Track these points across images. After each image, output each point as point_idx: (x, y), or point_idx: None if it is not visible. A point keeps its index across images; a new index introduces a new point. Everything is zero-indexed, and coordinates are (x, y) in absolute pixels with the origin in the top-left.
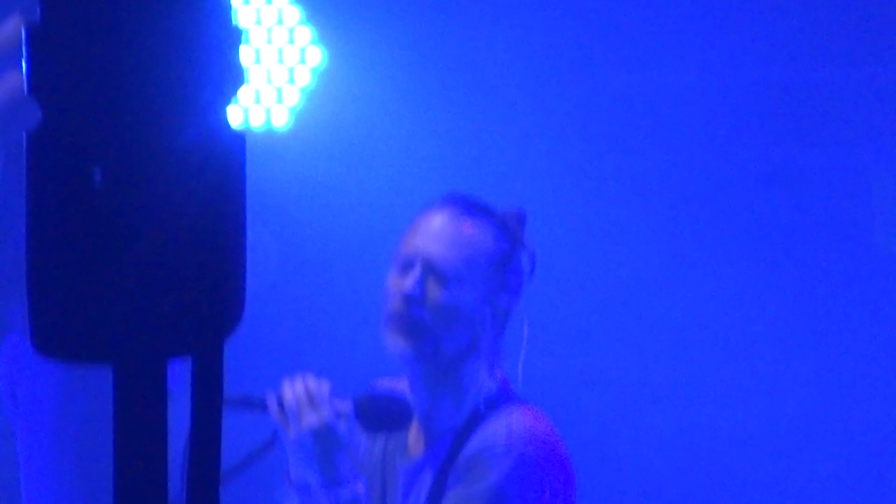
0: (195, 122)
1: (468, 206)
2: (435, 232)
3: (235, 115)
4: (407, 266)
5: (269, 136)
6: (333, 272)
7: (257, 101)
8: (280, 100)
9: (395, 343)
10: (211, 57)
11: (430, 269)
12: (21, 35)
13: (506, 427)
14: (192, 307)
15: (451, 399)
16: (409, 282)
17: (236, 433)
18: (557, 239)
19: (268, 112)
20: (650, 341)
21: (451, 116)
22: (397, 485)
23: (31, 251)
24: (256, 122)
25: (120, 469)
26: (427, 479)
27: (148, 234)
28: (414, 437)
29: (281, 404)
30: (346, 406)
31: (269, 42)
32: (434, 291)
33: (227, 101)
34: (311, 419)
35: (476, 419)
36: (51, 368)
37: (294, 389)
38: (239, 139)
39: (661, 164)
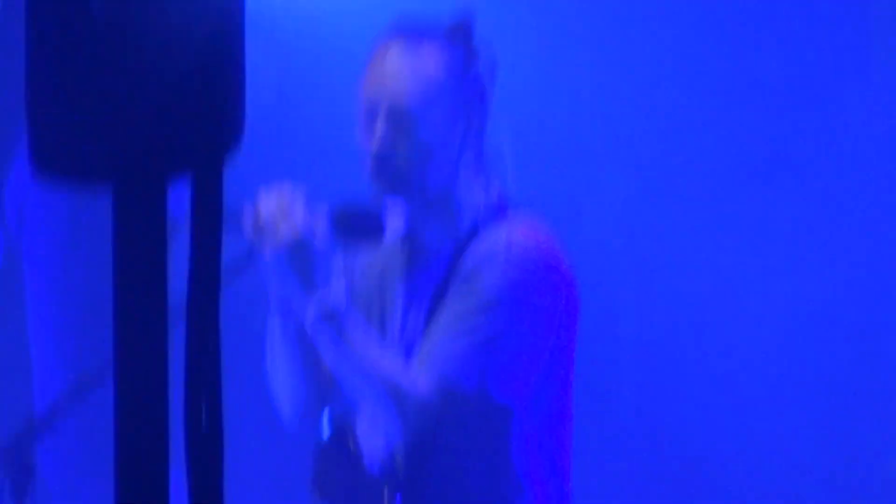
0: None
1: (414, 33)
2: (389, 73)
3: None
4: (370, 116)
5: None
6: (335, 90)
7: None
8: None
9: (381, 192)
10: None
11: (393, 116)
12: None
13: (505, 238)
14: (192, 128)
15: (447, 221)
16: (377, 138)
17: None
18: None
19: None
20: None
21: None
22: (396, 305)
23: (30, 76)
24: None
25: (120, 291)
26: (426, 295)
27: (147, 54)
28: (412, 259)
29: (256, 219)
30: (320, 221)
31: None
32: (403, 138)
33: None
34: (286, 233)
35: (473, 233)
36: (56, 195)
37: (269, 202)
38: None
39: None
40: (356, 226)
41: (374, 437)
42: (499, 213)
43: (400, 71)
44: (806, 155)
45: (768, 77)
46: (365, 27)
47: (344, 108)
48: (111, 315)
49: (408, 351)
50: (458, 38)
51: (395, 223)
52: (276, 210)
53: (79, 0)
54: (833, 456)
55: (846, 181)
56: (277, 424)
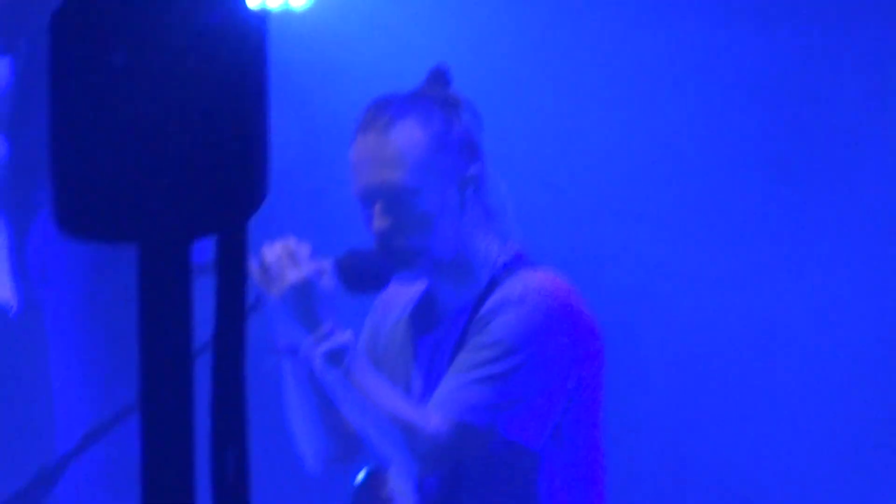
0: (216, 2)
1: (384, 111)
2: (368, 160)
3: None
4: (365, 203)
5: (287, 16)
6: None
7: None
8: None
9: (391, 268)
10: None
11: (383, 199)
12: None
13: (521, 285)
14: (215, 187)
15: (464, 280)
16: (375, 223)
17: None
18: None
19: None
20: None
21: None
22: (421, 364)
23: (54, 132)
24: (274, 3)
25: (145, 348)
26: (448, 350)
27: (171, 115)
28: (433, 319)
29: (263, 267)
30: (327, 264)
31: None
32: (397, 215)
33: None
34: (292, 275)
35: (492, 286)
36: (79, 248)
37: (274, 250)
38: (261, 18)
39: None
40: (362, 272)
41: (406, 481)
42: (517, 268)
43: (378, 154)
44: (831, 177)
45: (781, 100)
46: (388, 82)
47: None
48: (134, 367)
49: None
50: (435, 96)
51: (414, 286)
52: (281, 255)
53: (102, 57)
54: (851, 460)
55: (867, 184)
56: (302, 472)
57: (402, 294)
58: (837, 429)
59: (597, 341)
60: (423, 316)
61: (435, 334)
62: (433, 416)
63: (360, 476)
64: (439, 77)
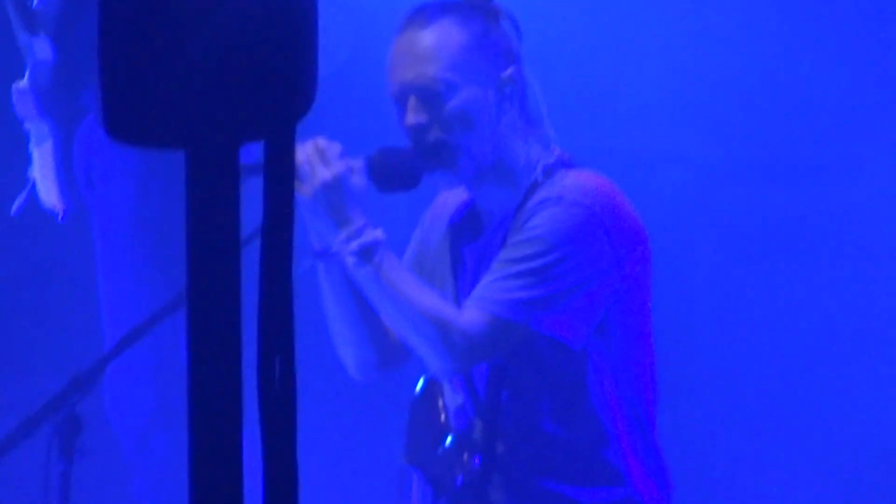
0: None
1: (423, 13)
2: (403, 58)
3: None
4: (400, 101)
5: None
6: None
7: None
8: None
9: (437, 176)
10: None
11: (417, 94)
12: None
13: (560, 184)
14: (263, 91)
15: (505, 186)
16: (408, 117)
17: (255, 201)
18: None
19: None
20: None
21: None
22: (468, 270)
23: (102, 36)
24: None
25: (193, 255)
26: (493, 254)
27: (219, 17)
28: (477, 227)
29: None
30: (357, 163)
31: None
32: (433, 110)
33: None
34: (322, 174)
35: (533, 188)
36: (126, 152)
37: (305, 149)
38: None
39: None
40: (393, 170)
41: (456, 393)
42: (557, 169)
43: (414, 51)
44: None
45: (785, 96)
46: None
47: None
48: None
49: None
50: (475, 4)
51: (458, 198)
52: (311, 154)
53: None
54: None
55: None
56: (348, 381)
57: (448, 207)
58: (838, 429)
59: (641, 240)
60: (469, 225)
61: (480, 242)
62: (468, 311)
63: (419, 385)
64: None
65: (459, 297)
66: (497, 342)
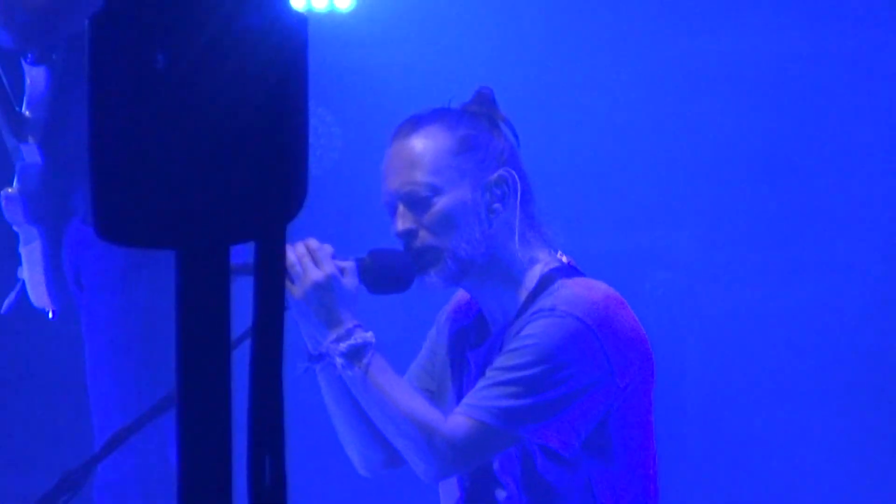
0: (257, 5)
1: (412, 122)
2: (392, 166)
3: None
4: (391, 210)
5: (332, 17)
6: None
7: None
8: None
9: (426, 279)
10: None
11: (404, 202)
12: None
13: (557, 294)
14: (255, 192)
15: (507, 287)
16: (396, 224)
17: (246, 302)
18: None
19: None
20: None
21: None
22: (472, 375)
23: (94, 137)
24: (320, 4)
25: (183, 354)
26: (492, 360)
27: (211, 118)
28: (486, 330)
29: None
30: (349, 264)
31: None
32: (419, 217)
33: None
34: (314, 274)
35: (533, 295)
36: (113, 253)
37: (296, 250)
38: (301, 21)
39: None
40: (384, 272)
41: (428, 480)
42: (558, 276)
43: (401, 159)
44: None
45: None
46: (430, 83)
47: None
48: (167, 371)
49: None
50: (470, 110)
51: (469, 304)
52: (303, 255)
53: (142, 60)
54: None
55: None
56: (333, 473)
57: (461, 309)
58: (838, 427)
59: (640, 351)
60: (475, 329)
61: (484, 347)
62: (455, 417)
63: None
64: (482, 99)
65: (463, 396)
66: (481, 448)
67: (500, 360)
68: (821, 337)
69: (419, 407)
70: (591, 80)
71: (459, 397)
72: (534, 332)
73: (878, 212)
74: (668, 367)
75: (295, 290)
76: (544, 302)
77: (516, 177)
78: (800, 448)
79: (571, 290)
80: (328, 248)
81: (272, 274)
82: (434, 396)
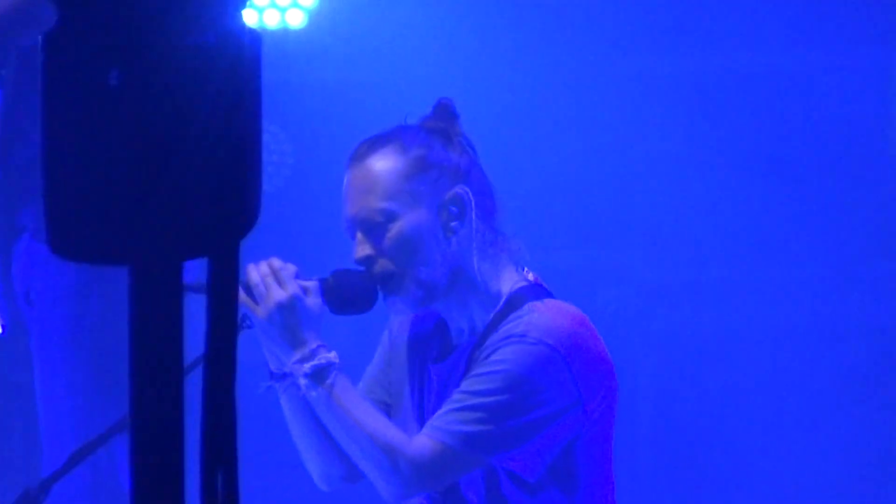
0: (211, 21)
1: (366, 145)
2: (348, 193)
3: (251, 15)
4: (351, 236)
5: (285, 34)
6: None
7: (272, 1)
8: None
9: (388, 304)
10: None
11: (361, 228)
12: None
13: (526, 319)
14: (208, 209)
15: (472, 301)
16: (356, 252)
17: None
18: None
19: (283, 11)
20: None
21: (469, 14)
22: (433, 391)
23: (47, 153)
24: (272, 21)
25: (136, 370)
26: (458, 378)
27: (164, 135)
28: (449, 346)
29: (247, 287)
30: (312, 284)
31: None
32: (377, 242)
33: (243, 1)
34: (277, 294)
35: (501, 316)
36: (64, 270)
37: (259, 269)
38: (255, 38)
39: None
40: (347, 292)
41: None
42: (529, 297)
43: (355, 186)
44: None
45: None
46: (384, 100)
47: None
48: (119, 388)
49: None
50: (429, 127)
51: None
52: (266, 275)
53: (95, 77)
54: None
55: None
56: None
57: (417, 320)
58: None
59: (607, 378)
60: (438, 341)
61: (447, 363)
62: (420, 438)
63: None
64: (440, 111)
65: (425, 416)
66: (445, 472)
67: (469, 384)
68: (779, 352)
69: (382, 428)
70: (548, 93)
71: (420, 411)
72: (504, 358)
73: (838, 227)
74: (621, 385)
75: (258, 310)
76: (515, 327)
77: (470, 194)
78: (765, 464)
79: (542, 316)
80: (291, 268)
81: (225, 290)
82: (390, 410)
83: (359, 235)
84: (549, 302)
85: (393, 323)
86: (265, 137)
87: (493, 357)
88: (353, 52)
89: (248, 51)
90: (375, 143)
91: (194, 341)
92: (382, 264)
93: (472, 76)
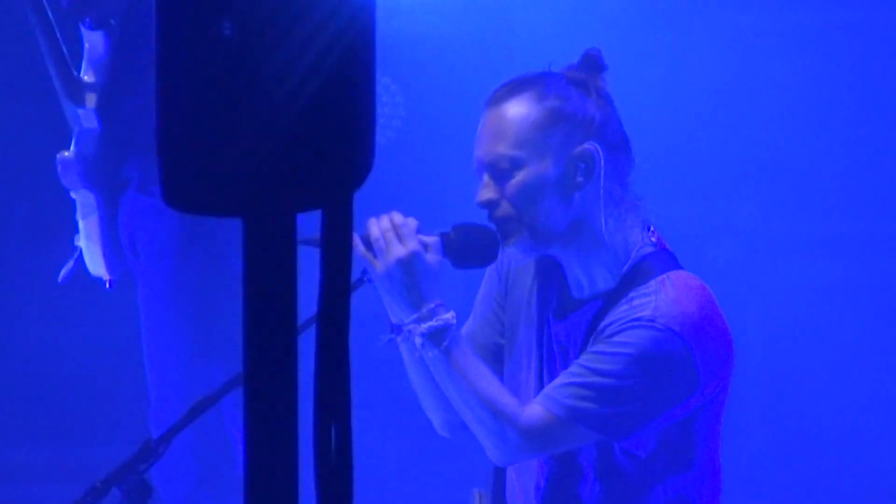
0: None
1: (506, 89)
2: (480, 135)
3: None
4: (479, 177)
5: None
6: (460, 124)
7: None
8: None
9: (509, 251)
10: None
11: (488, 171)
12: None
13: (655, 302)
14: (321, 161)
15: (594, 263)
16: (479, 193)
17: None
18: None
19: None
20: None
21: None
22: (553, 348)
23: (162, 106)
24: None
25: (249, 323)
26: (579, 339)
27: (278, 87)
28: (571, 302)
29: (367, 241)
30: (433, 239)
31: None
32: (501, 188)
33: None
34: (397, 250)
35: (628, 284)
36: (169, 223)
37: (380, 224)
38: None
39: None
40: (469, 246)
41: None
42: (657, 265)
43: (489, 129)
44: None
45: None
46: (500, 57)
47: (471, 137)
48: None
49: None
50: (571, 77)
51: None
52: (387, 230)
53: (210, 29)
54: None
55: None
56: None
57: (533, 267)
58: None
59: (728, 360)
60: (558, 295)
61: (567, 323)
62: (534, 406)
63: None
64: (585, 62)
65: (543, 375)
66: (553, 443)
67: (591, 359)
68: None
69: (496, 394)
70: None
71: (539, 368)
72: (630, 342)
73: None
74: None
75: (378, 265)
76: (643, 307)
77: (600, 151)
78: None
79: (670, 297)
80: (413, 223)
81: (338, 243)
82: (502, 352)
83: (485, 178)
84: (676, 277)
85: (503, 263)
86: (377, 89)
87: (619, 338)
88: (467, 3)
89: (363, 2)
90: (514, 87)
91: (307, 298)
92: (503, 208)
93: (590, 29)
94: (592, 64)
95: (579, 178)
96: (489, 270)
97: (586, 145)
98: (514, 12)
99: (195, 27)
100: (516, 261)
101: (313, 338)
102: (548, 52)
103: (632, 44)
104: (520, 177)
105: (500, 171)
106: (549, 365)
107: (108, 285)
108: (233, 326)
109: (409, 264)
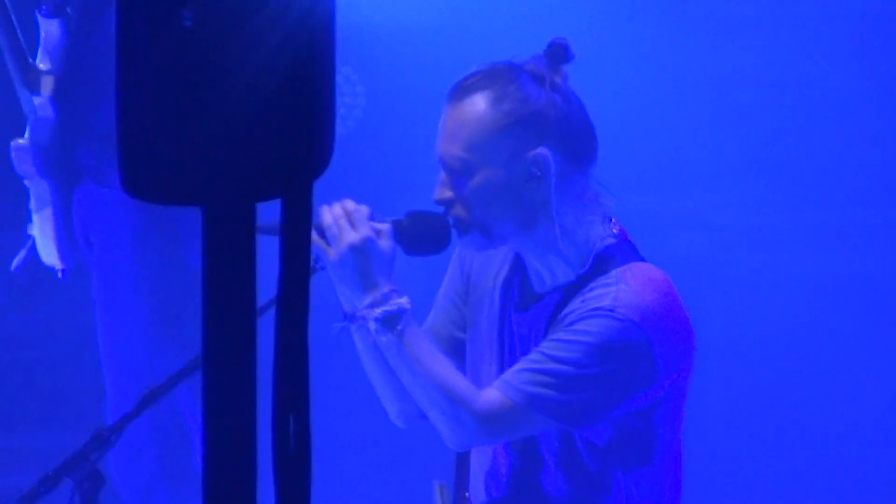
0: None
1: (465, 85)
2: (440, 131)
3: None
4: (440, 168)
5: None
6: (420, 114)
7: None
8: None
9: (462, 243)
10: None
11: (444, 169)
12: None
13: (615, 292)
14: (281, 150)
15: (555, 256)
16: (435, 192)
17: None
18: None
19: None
20: None
21: None
22: (514, 337)
23: (122, 95)
24: None
25: (208, 311)
26: (539, 332)
27: (237, 76)
28: (532, 295)
29: (320, 229)
30: (385, 226)
31: None
32: (456, 187)
33: None
34: (350, 236)
35: (588, 275)
36: (124, 214)
37: (333, 211)
38: None
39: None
40: (421, 233)
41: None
42: (618, 257)
43: (446, 127)
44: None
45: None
46: (459, 44)
47: (430, 128)
48: (178, 323)
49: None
50: (534, 71)
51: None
52: (339, 217)
53: (170, 17)
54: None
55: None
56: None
57: (494, 257)
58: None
59: (689, 353)
60: (520, 288)
61: (529, 314)
62: (491, 391)
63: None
64: (554, 51)
65: (504, 365)
66: (508, 428)
67: (549, 347)
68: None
69: (451, 377)
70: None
71: (500, 360)
72: (588, 330)
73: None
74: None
75: (331, 252)
76: (602, 297)
77: (552, 157)
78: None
79: (631, 288)
80: (365, 210)
81: (298, 232)
82: (463, 346)
83: (442, 175)
84: (636, 269)
85: (466, 258)
86: (338, 79)
87: (579, 326)
88: None
89: None
90: (474, 84)
91: (267, 284)
92: (457, 209)
93: (555, 18)
94: (558, 54)
95: (532, 183)
96: (452, 265)
97: (539, 150)
98: (476, 1)
99: (155, 17)
100: (476, 258)
101: (271, 324)
102: (511, 43)
103: (601, 33)
104: (472, 179)
105: (453, 171)
106: (511, 356)
107: (60, 275)
108: (190, 317)
109: (362, 250)
